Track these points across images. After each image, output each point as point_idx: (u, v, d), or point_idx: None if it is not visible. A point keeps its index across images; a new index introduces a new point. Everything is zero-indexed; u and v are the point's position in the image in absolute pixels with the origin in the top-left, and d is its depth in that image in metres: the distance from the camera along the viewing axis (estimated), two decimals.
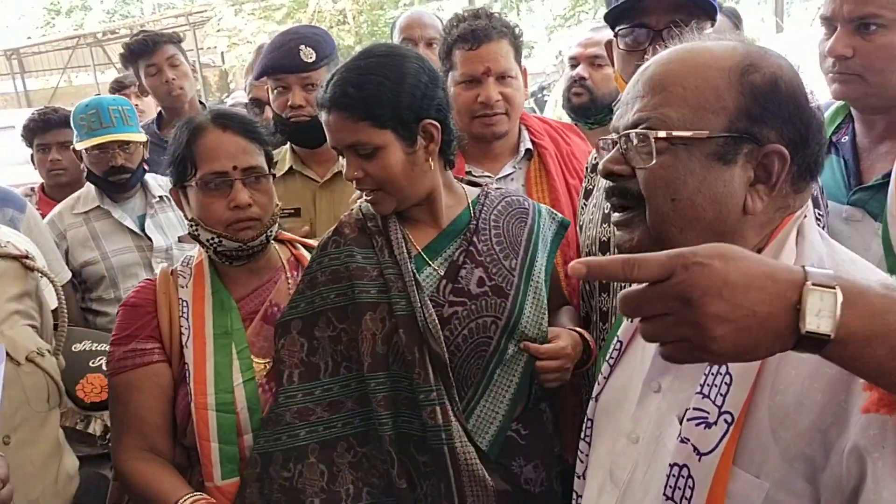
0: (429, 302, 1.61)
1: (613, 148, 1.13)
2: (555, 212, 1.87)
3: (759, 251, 1.04)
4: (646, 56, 1.68)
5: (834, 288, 0.78)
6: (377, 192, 1.65)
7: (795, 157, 1.04)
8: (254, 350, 1.73)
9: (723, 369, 0.99)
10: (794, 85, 1.06)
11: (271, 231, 1.77)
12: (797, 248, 1.04)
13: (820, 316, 0.77)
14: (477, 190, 1.81)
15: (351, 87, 1.57)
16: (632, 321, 1.27)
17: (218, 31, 15.22)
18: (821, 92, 1.79)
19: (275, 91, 2.39)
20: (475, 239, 1.70)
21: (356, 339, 1.63)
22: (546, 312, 1.73)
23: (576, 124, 2.74)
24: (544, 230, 1.79)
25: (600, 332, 1.86)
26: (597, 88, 2.74)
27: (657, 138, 1.04)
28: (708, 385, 1.00)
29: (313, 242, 1.89)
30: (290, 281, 1.82)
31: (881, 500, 0.84)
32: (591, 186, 2.03)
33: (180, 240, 2.84)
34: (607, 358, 1.31)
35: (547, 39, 14.97)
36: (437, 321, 1.60)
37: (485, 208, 1.75)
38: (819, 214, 1.60)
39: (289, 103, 2.33)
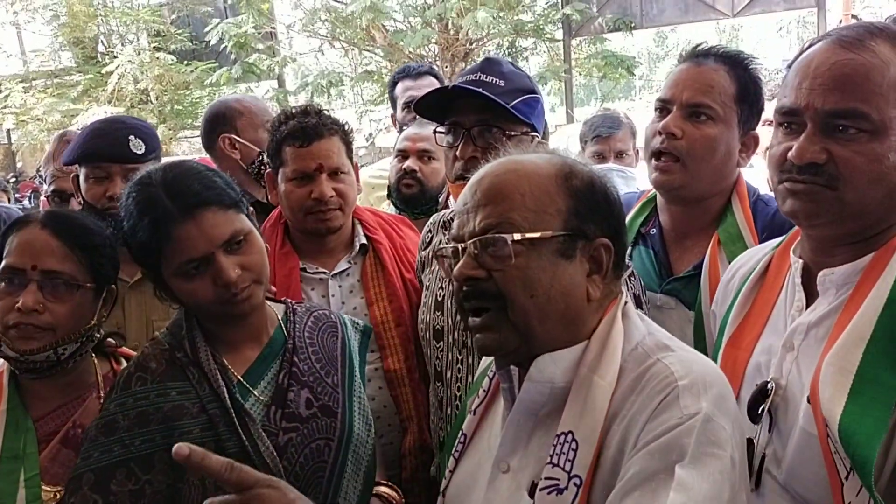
0: (263, 434, 1.51)
1: (463, 255, 1.20)
2: (357, 321, 1.88)
3: (593, 331, 1.18)
4: (457, 153, 1.81)
5: None
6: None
7: (615, 248, 1.20)
8: (46, 477, 1.56)
9: (569, 437, 1.10)
10: (604, 185, 1.23)
11: (65, 350, 1.59)
12: (624, 328, 1.18)
13: None
14: (282, 306, 1.76)
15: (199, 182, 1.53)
16: (474, 413, 1.35)
17: (4, 108, 14.08)
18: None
19: (90, 179, 2.25)
20: (295, 358, 1.64)
21: (163, 492, 1.45)
22: (373, 425, 1.72)
23: (400, 212, 2.82)
24: (353, 342, 1.78)
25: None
26: (427, 181, 2.84)
27: (514, 241, 1.14)
28: (557, 454, 1.10)
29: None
30: (101, 400, 1.65)
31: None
32: (422, 261, 2.10)
33: None
34: (452, 452, 1.35)
35: (357, 123, 15.31)
36: (275, 453, 1.50)
37: (296, 325, 1.70)
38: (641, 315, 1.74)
39: (107, 193, 2.20)
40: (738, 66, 1.84)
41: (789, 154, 1.27)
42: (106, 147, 2.22)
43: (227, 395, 1.51)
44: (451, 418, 1.87)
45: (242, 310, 1.55)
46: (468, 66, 2.03)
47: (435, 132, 1.98)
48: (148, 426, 1.47)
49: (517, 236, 1.15)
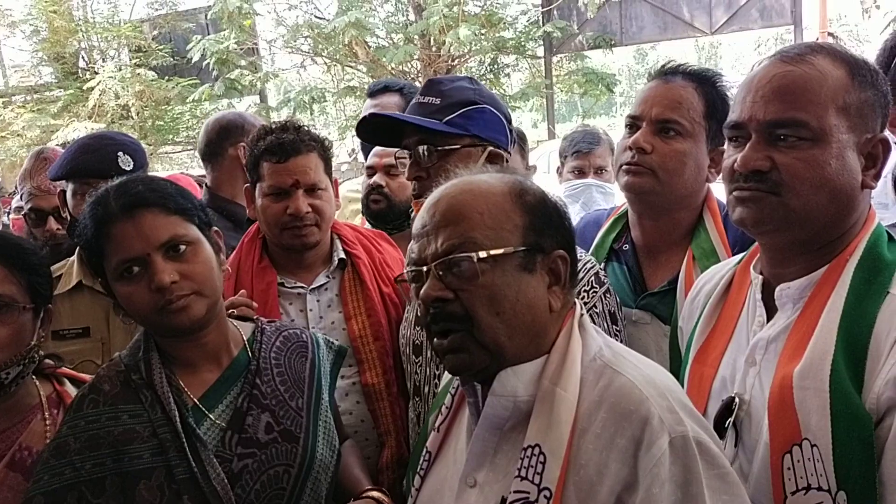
0: (214, 460, 1.47)
1: (427, 278, 1.21)
2: (331, 340, 1.86)
3: (553, 343, 1.21)
4: (402, 170, 1.87)
5: None
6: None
7: (570, 259, 1.24)
8: None
9: (536, 450, 1.11)
10: (554, 200, 1.28)
11: (9, 373, 1.55)
12: (582, 339, 1.21)
13: None
14: (250, 326, 1.74)
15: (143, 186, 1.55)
16: (438, 430, 1.35)
17: None
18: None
19: (77, 195, 2.25)
20: (258, 380, 1.60)
21: None
22: (337, 448, 1.69)
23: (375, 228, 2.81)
24: (324, 362, 1.76)
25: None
26: (394, 195, 2.84)
27: (479, 259, 1.16)
28: (524, 467, 1.11)
29: (87, 376, 1.69)
30: (47, 422, 1.62)
31: None
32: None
33: None
34: (418, 470, 1.36)
35: (340, 138, 15.32)
36: (226, 480, 1.47)
37: (263, 346, 1.67)
38: (617, 330, 1.75)
39: None
40: (705, 83, 1.88)
41: (735, 164, 1.32)
42: (94, 163, 2.23)
43: (178, 419, 1.47)
44: None
45: (180, 321, 1.50)
46: None
47: (396, 157, 2.04)
48: (98, 450, 1.44)
49: (482, 254, 1.17)
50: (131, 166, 2.24)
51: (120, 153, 2.25)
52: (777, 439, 1.24)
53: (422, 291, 1.21)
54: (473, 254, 1.17)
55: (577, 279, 1.30)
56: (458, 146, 1.83)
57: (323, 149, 2.19)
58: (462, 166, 1.81)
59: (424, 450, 1.37)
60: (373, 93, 3.57)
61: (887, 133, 1.29)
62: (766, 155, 1.28)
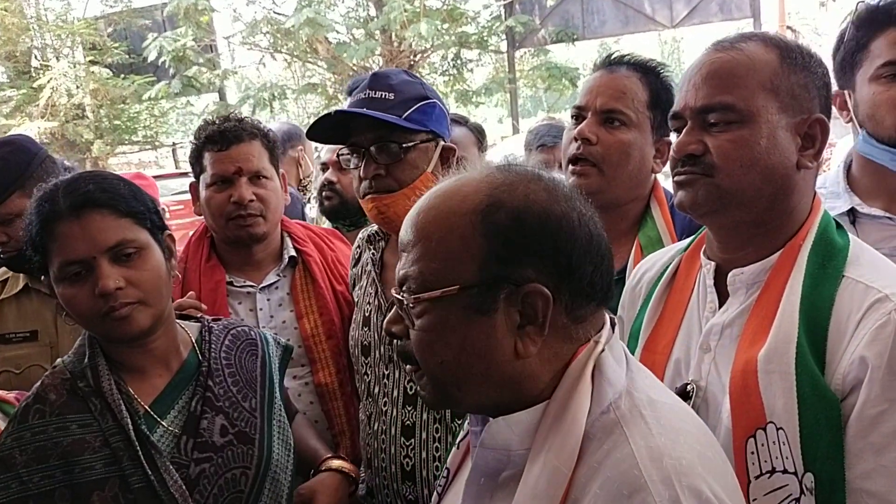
0: (171, 467, 1.43)
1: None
2: (279, 337, 1.81)
3: (553, 389, 1.00)
4: (360, 173, 1.80)
5: None
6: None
7: (562, 289, 0.98)
8: None
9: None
10: (545, 214, 0.99)
11: None
12: (594, 385, 0.99)
13: None
14: (196, 325, 1.67)
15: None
16: (458, 447, 1.23)
17: None
18: None
19: None
20: (210, 382, 1.55)
21: None
22: (292, 445, 1.66)
23: (335, 227, 2.76)
24: (274, 359, 1.72)
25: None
26: (345, 191, 2.79)
27: (413, 301, 1.00)
28: None
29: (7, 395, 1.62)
30: None
31: None
32: (353, 278, 2.08)
33: None
34: (436, 488, 1.27)
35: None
36: (183, 487, 1.42)
37: (213, 346, 1.61)
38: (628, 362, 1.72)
39: None
40: (649, 73, 1.87)
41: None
42: None
43: (130, 427, 1.41)
44: (378, 433, 1.83)
45: (123, 330, 1.43)
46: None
47: (338, 155, 1.97)
48: (47, 462, 1.38)
49: (412, 298, 1.00)
50: None
51: None
52: (740, 424, 1.23)
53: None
54: (406, 297, 1.00)
55: (586, 311, 1.02)
56: (417, 141, 1.79)
57: (266, 138, 2.13)
58: (420, 162, 1.77)
59: (445, 467, 1.25)
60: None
61: (841, 119, 1.29)
62: (698, 139, 1.31)
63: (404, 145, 1.77)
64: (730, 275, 1.35)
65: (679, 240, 1.78)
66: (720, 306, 1.37)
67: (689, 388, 1.35)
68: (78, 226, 1.40)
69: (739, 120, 1.27)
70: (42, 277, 1.48)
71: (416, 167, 1.79)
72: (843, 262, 1.27)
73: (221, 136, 2.05)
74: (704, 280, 1.42)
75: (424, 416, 1.75)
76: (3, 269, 2.29)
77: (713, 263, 1.40)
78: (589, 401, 0.98)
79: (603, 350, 1.02)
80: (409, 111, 1.79)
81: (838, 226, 1.35)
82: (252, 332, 1.72)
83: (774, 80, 1.28)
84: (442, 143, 1.84)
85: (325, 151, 2.92)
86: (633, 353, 1.47)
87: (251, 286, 2.13)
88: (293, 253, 2.19)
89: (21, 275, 2.21)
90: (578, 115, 1.88)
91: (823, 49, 1.40)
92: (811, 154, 1.30)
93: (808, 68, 1.31)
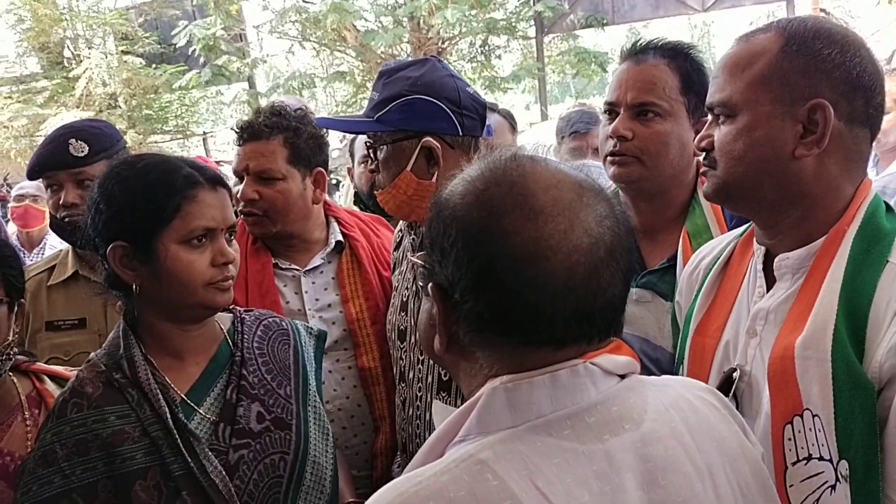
0: (210, 453, 1.45)
1: None
2: (310, 327, 1.83)
3: None
4: None
5: None
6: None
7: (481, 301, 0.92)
8: None
9: None
10: (455, 222, 0.97)
11: None
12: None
13: None
14: (229, 316, 1.69)
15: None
16: None
17: None
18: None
19: (47, 191, 2.20)
20: (244, 371, 1.57)
21: None
22: (330, 433, 1.68)
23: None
24: (307, 348, 1.74)
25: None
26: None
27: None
28: None
29: (69, 373, 1.64)
30: (28, 422, 1.57)
31: None
32: (393, 262, 2.10)
33: None
34: None
35: None
36: (223, 473, 1.44)
37: (245, 336, 1.64)
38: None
39: (61, 202, 2.13)
40: (678, 56, 1.83)
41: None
42: (48, 155, 2.13)
43: (169, 416, 1.44)
44: (412, 419, 1.85)
45: (223, 300, 1.52)
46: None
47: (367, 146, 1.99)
48: (88, 454, 1.40)
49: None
50: (85, 151, 2.12)
51: (72, 140, 2.12)
52: (778, 409, 1.23)
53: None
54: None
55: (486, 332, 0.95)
56: (389, 142, 1.80)
57: (294, 136, 2.09)
58: (396, 161, 1.78)
59: None
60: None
61: None
62: (709, 133, 1.37)
63: (380, 146, 1.82)
64: (776, 259, 1.34)
65: (728, 226, 1.77)
66: (768, 291, 1.37)
67: (734, 373, 1.35)
68: (216, 197, 1.51)
69: (732, 114, 1.31)
70: (92, 258, 1.51)
71: (392, 167, 1.81)
72: (888, 248, 1.24)
73: (242, 130, 2.09)
74: (755, 265, 1.41)
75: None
76: (51, 255, 2.34)
77: (763, 249, 1.40)
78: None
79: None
80: (382, 112, 1.78)
81: (889, 210, 1.32)
82: (283, 323, 1.75)
83: (767, 70, 1.27)
84: (424, 139, 1.78)
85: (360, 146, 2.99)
86: (686, 337, 1.48)
87: (296, 269, 2.16)
88: (339, 237, 2.21)
89: (70, 261, 2.25)
90: (611, 111, 1.86)
91: (858, 32, 1.35)
92: (812, 141, 1.26)
93: (811, 53, 1.25)
